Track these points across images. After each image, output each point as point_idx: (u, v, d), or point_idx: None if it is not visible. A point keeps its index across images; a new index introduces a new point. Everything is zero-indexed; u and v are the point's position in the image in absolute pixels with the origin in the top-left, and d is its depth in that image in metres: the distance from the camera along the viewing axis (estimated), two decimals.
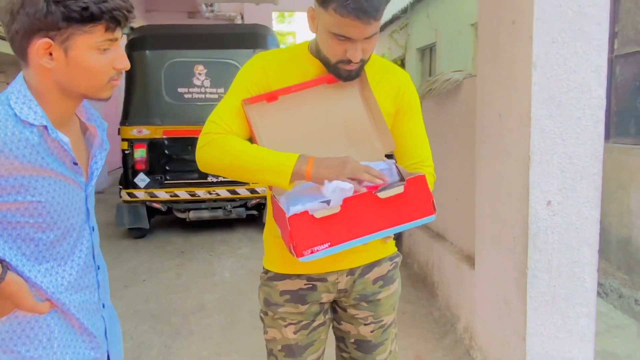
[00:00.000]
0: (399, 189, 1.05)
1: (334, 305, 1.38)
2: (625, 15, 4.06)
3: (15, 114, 0.91)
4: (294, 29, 21.23)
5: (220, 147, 1.13)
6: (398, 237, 3.51)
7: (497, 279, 2.26)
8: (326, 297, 1.31)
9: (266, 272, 1.34)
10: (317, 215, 1.00)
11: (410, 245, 3.94)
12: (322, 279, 1.28)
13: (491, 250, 2.32)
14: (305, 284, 1.28)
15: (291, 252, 1.02)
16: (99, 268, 1.10)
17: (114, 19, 0.92)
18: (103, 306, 1.11)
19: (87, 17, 0.90)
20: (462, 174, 2.91)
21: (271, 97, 1.19)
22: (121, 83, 1.07)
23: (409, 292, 3.40)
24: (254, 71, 1.24)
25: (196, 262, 4.28)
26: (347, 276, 1.30)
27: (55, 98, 0.96)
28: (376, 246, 1.29)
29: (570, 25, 1.85)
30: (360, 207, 1.03)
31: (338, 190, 1.01)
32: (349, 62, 1.14)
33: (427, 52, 9.73)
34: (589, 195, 1.93)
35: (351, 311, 1.34)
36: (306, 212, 0.99)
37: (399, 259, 1.40)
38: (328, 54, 1.16)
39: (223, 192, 4.82)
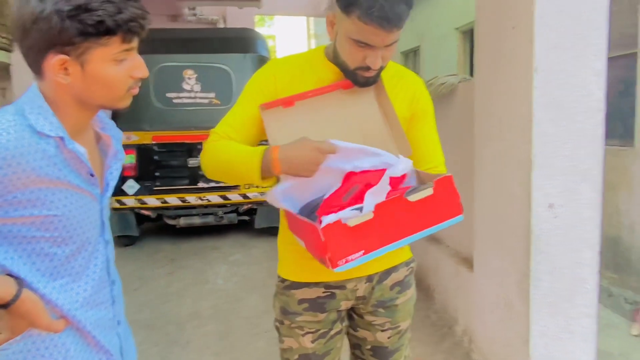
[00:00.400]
0: (429, 191, 1.04)
1: (350, 312, 1.37)
2: (610, 19, 4.15)
3: (31, 125, 0.87)
4: (274, 32, 21.19)
5: (213, 152, 1.19)
6: None
7: (498, 282, 2.27)
8: (345, 305, 1.30)
9: (282, 280, 1.32)
10: (351, 223, 0.98)
11: None
12: (340, 286, 1.27)
13: (492, 253, 2.33)
14: (323, 292, 1.27)
15: (325, 263, 1.00)
16: (113, 283, 1.07)
17: (130, 30, 0.90)
18: (118, 323, 1.07)
19: (103, 31, 0.87)
20: (457, 176, 2.91)
21: (288, 102, 1.18)
22: None
23: None
24: (263, 79, 1.23)
25: (188, 270, 4.22)
26: (365, 283, 1.29)
27: (72, 109, 0.93)
28: (393, 252, 1.28)
29: (570, 30, 1.87)
30: (392, 211, 1.01)
31: (375, 198, 1.00)
32: (368, 68, 1.13)
33: (411, 55, 9.80)
34: (590, 197, 1.96)
35: (368, 318, 1.33)
36: (339, 221, 0.97)
37: (414, 264, 1.40)
38: (347, 60, 1.15)
39: (214, 198, 4.75)
